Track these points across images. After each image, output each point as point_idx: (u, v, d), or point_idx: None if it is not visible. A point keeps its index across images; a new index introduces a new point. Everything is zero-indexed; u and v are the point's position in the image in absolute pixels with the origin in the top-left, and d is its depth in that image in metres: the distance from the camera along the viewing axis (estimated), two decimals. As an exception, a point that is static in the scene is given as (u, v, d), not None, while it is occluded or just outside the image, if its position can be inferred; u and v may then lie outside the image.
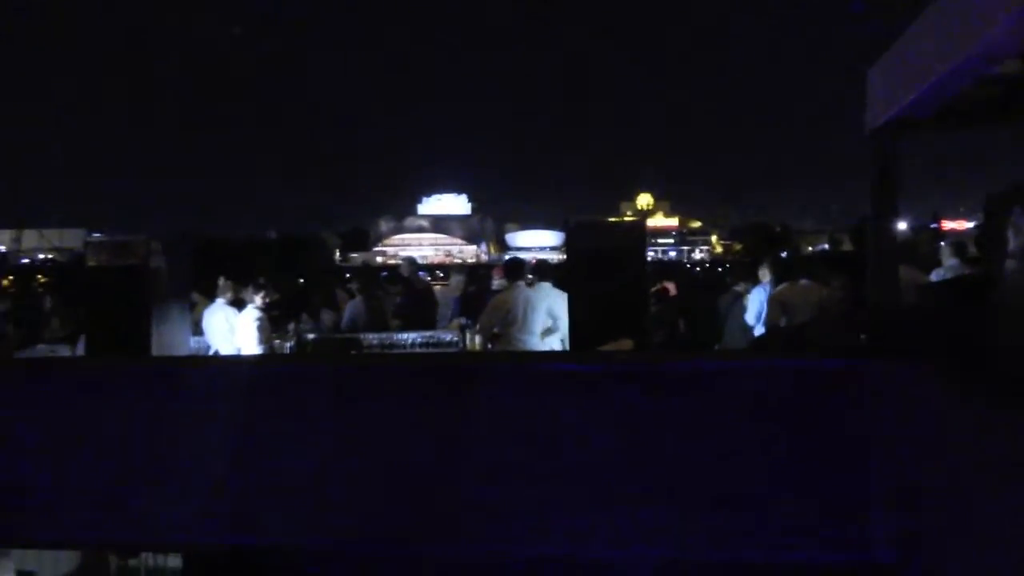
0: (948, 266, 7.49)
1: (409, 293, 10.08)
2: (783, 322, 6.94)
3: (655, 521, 2.85)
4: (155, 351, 4.04)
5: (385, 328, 9.53)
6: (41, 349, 8.48)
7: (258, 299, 8.52)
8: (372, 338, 9.20)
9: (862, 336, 3.44)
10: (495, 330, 7.47)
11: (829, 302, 6.96)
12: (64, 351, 8.10)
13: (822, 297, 7.11)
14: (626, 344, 3.72)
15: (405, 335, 9.12)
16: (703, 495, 2.82)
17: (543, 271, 8.12)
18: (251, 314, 8.41)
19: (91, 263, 4.24)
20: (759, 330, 8.02)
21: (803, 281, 7.53)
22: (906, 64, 2.84)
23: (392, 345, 9.03)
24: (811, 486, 2.75)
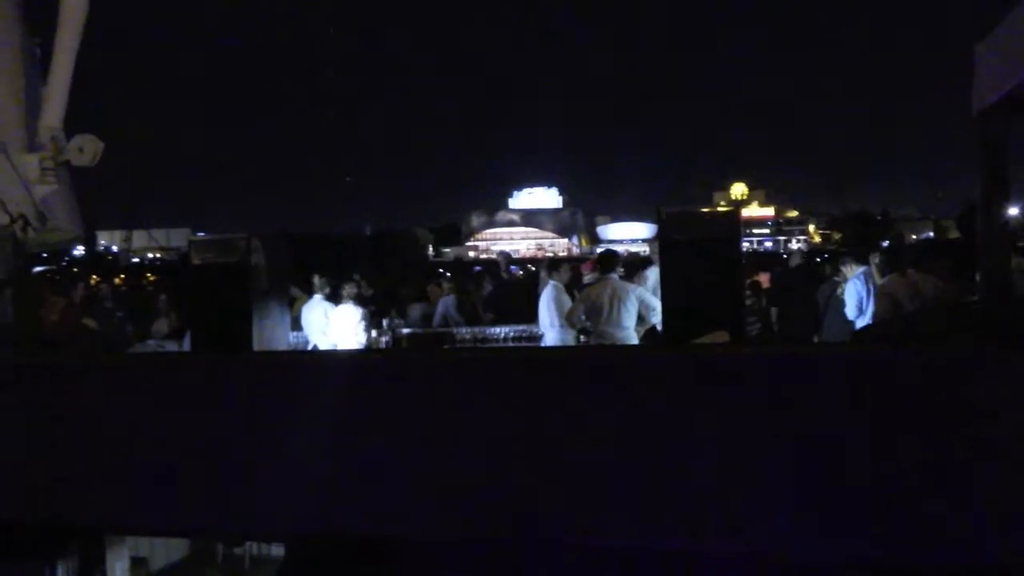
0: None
1: (499, 286, 10.14)
2: (890, 315, 6.70)
3: (751, 516, 2.79)
4: (256, 346, 4.15)
5: (477, 322, 9.61)
6: (151, 345, 8.85)
7: (349, 294, 8.70)
8: (464, 332, 9.29)
9: (973, 327, 3.29)
10: (586, 323, 7.45)
11: (939, 293, 6.71)
12: (172, 347, 8.44)
13: (933, 288, 6.85)
14: (721, 337, 3.64)
15: (497, 329, 9.18)
16: (802, 491, 2.75)
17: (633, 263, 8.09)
18: (352, 310, 8.59)
19: (194, 261, 4.39)
20: (861, 322, 7.77)
21: (912, 272, 7.24)
22: (1019, 39, 2.69)
23: (485, 339, 9.10)
24: (916, 484, 2.64)
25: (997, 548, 2.49)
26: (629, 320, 7.25)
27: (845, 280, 8.60)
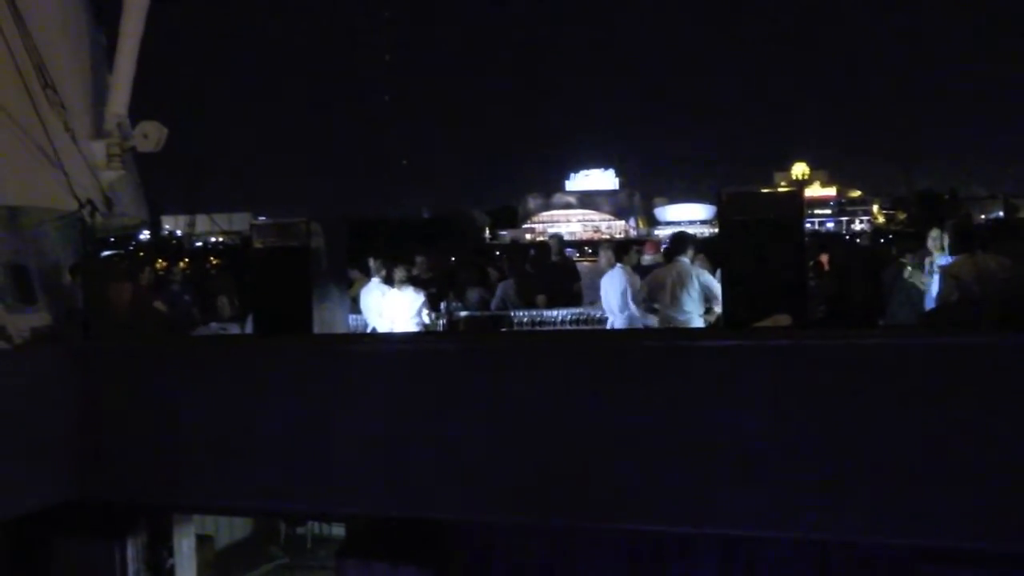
0: None
1: (544, 267, 10.02)
2: (955, 298, 6.47)
3: (815, 504, 2.74)
4: (316, 329, 4.19)
5: (533, 305, 9.56)
6: (213, 327, 8.99)
7: (401, 278, 8.70)
8: (522, 315, 9.26)
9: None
10: (653, 305, 7.37)
11: (1009, 275, 6.46)
12: (234, 329, 8.57)
13: (1004, 270, 6.58)
14: (783, 320, 3.56)
15: (555, 312, 9.12)
16: (869, 478, 2.69)
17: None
18: (406, 293, 8.61)
19: (256, 245, 4.44)
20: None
21: (981, 253, 6.95)
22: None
23: (542, 322, 9.06)
24: (993, 473, 2.56)
25: None
26: (691, 304, 7.15)
27: (915, 264, 8.32)
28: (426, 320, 8.75)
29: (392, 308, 8.65)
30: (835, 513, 2.76)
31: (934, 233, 8.08)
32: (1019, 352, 2.61)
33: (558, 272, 9.98)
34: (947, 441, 2.61)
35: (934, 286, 7.70)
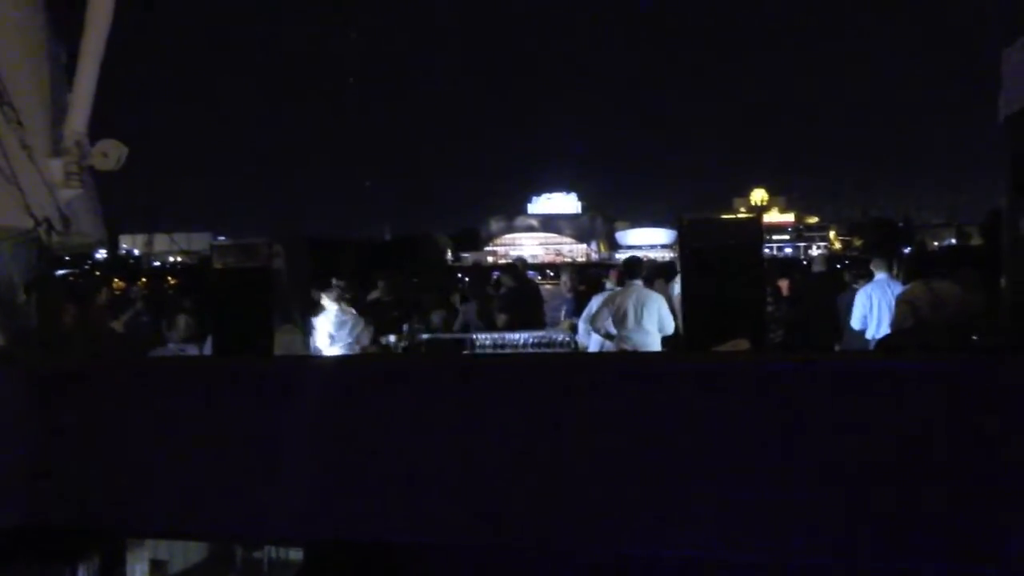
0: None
1: (513, 290, 10.10)
2: (910, 324, 6.59)
3: (775, 525, 2.77)
4: (277, 351, 4.17)
5: (495, 328, 9.60)
6: (171, 349, 8.89)
7: (328, 299, 8.70)
8: (485, 338, 9.28)
9: (998, 334, 3.26)
10: (610, 329, 7.43)
11: (961, 302, 6.59)
12: (192, 351, 8.48)
13: (957, 297, 6.72)
14: (742, 345, 3.62)
15: (517, 335, 9.16)
16: (826, 500, 2.73)
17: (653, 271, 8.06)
18: (335, 315, 8.60)
19: (217, 266, 4.41)
20: (872, 333, 7.67)
21: (935, 280, 7.11)
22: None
23: (504, 345, 9.08)
24: (944, 494, 2.61)
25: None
26: (652, 325, 7.24)
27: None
28: (362, 343, 8.75)
29: (327, 330, 8.65)
30: (797, 535, 2.79)
31: (875, 261, 8.30)
32: (966, 376, 2.67)
33: (521, 295, 10.04)
34: (906, 464, 2.66)
35: (854, 316, 7.86)
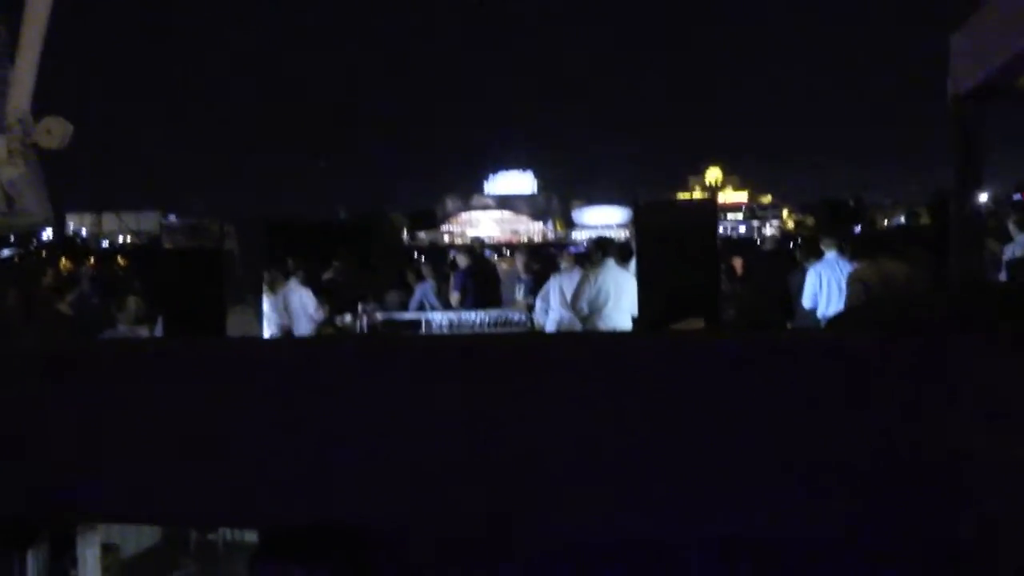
0: (1020, 242, 7.23)
1: (469, 269, 10.08)
2: (861, 301, 6.73)
3: (728, 503, 2.80)
4: (230, 331, 4.12)
5: (451, 308, 9.59)
6: (121, 330, 8.75)
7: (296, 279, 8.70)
8: (441, 318, 9.27)
9: (944, 313, 3.32)
10: (585, 311, 7.35)
11: (910, 279, 6.73)
12: (143, 333, 8.35)
13: (905, 275, 6.86)
14: (697, 324, 3.65)
15: (473, 314, 9.16)
16: (777, 476, 2.77)
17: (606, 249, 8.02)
18: (297, 292, 8.57)
19: (167, 245, 4.34)
20: (822, 311, 7.80)
21: (884, 258, 7.26)
22: (994, 26, 2.71)
23: (461, 325, 9.09)
24: (891, 468, 2.67)
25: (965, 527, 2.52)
26: (628, 306, 7.22)
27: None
28: (316, 317, 8.75)
29: (285, 309, 8.63)
30: (751, 512, 2.83)
31: (825, 240, 8.42)
32: (915, 354, 2.72)
33: (477, 274, 10.03)
34: (856, 440, 2.71)
35: (805, 295, 8.02)
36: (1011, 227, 7.52)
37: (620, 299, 7.19)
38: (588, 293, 7.30)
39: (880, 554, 2.75)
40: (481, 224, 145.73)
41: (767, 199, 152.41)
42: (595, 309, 7.22)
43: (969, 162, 3.23)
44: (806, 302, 7.99)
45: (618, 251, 7.99)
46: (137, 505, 3.56)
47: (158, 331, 7.38)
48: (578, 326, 7.14)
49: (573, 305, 7.53)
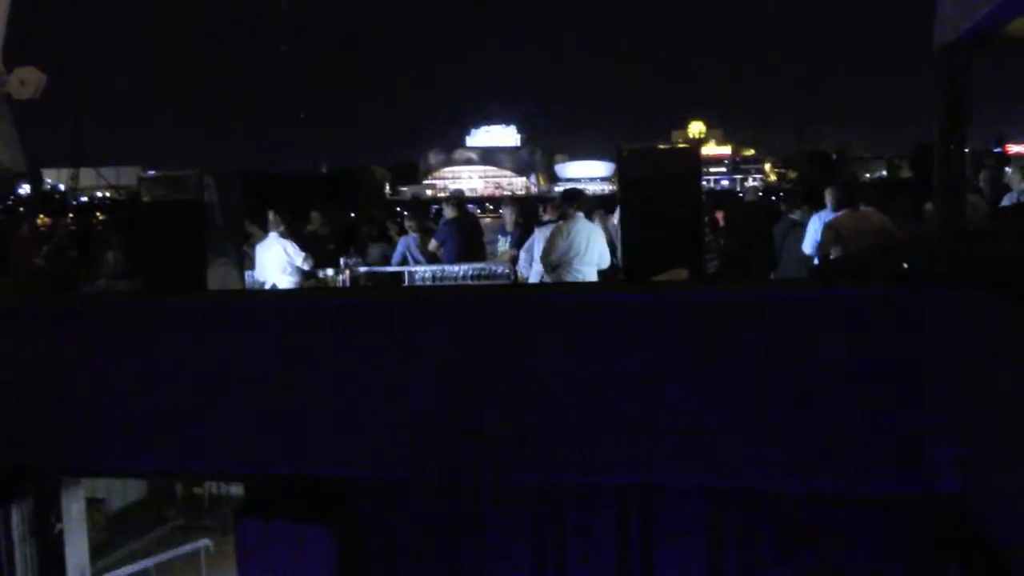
0: (1021, 189, 7.27)
1: (452, 221, 10.00)
2: (836, 251, 6.76)
3: (711, 450, 2.83)
4: (211, 286, 4.07)
5: (436, 261, 9.54)
6: (101, 285, 8.67)
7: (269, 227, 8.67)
8: (425, 271, 9.23)
9: (925, 263, 3.34)
10: (555, 261, 7.37)
11: (886, 229, 6.77)
12: (123, 286, 8.28)
13: (880, 225, 6.91)
14: (680, 274, 3.64)
15: (456, 267, 9.12)
16: (759, 426, 2.79)
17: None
18: (278, 244, 8.52)
19: (145, 198, 4.27)
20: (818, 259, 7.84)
21: (864, 208, 7.30)
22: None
23: (444, 278, 9.05)
24: (871, 419, 2.69)
25: (954, 479, 2.56)
26: (596, 258, 7.26)
27: (802, 218, 8.67)
28: (305, 267, 8.75)
29: (267, 262, 8.59)
30: (728, 461, 2.86)
31: (828, 191, 8.41)
32: (896, 303, 2.74)
33: (461, 226, 9.96)
34: (840, 388, 2.73)
35: (806, 241, 8.09)
36: (1014, 177, 7.61)
37: (590, 250, 7.22)
38: (560, 246, 7.31)
39: (865, 502, 2.79)
40: (464, 178, 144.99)
41: (750, 152, 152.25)
42: (564, 262, 7.23)
43: (954, 113, 3.21)
44: (807, 248, 8.05)
45: (588, 203, 7.99)
46: (122, 459, 3.55)
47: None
48: (585, 275, 7.15)
49: (544, 258, 7.53)
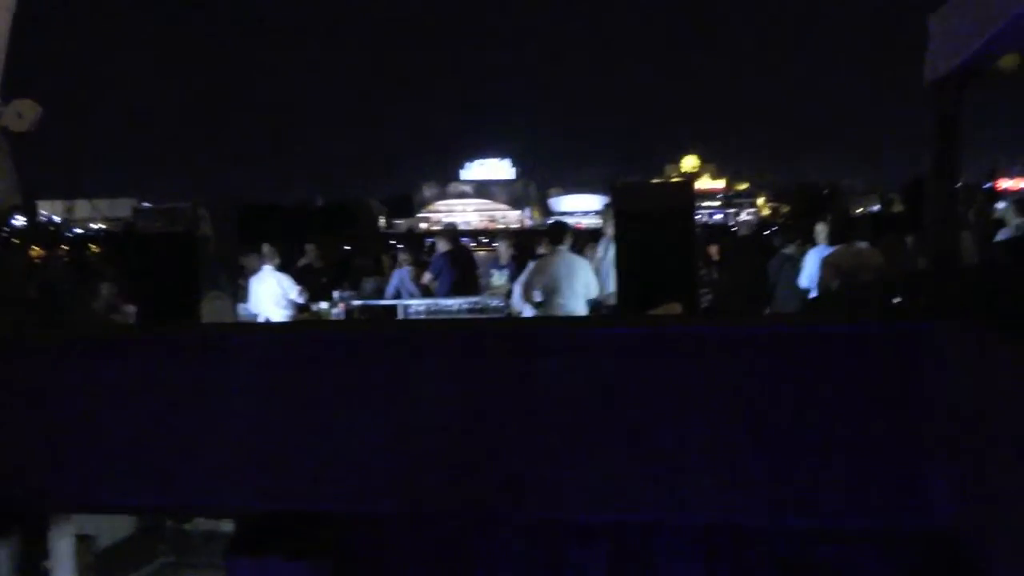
0: (1016, 224, 7.32)
1: (446, 254, 10.02)
2: (836, 285, 6.79)
3: (705, 487, 2.80)
4: (204, 318, 4.06)
5: (431, 294, 9.53)
6: (94, 317, 8.63)
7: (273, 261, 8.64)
8: (419, 304, 9.22)
9: (917, 298, 3.34)
10: (538, 297, 7.40)
11: (883, 265, 6.81)
12: (117, 319, 8.24)
13: (878, 260, 6.95)
14: (675, 308, 3.64)
15: (451, 301, 9.11)
16: (755, 461, 2.77)
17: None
18: (272, 277, 8.51)
19: (139, 230, 4.27)
20: (814, 293, 7.87)
21: (859, 244, 7.34)
22: (972, 8, 2.70)
23: (438, 311, 9.04)
24: (865, 454, 2.68)
25: (947, 513, 2.54)
26: (581, 290, 7.28)
27: (797, 253, 8.70)
28: (299, 301, 8.71)
29: (261, 295, 8.56)
30: (722, 497, 2.84)
31: (819, 227, 8.48)
32: (891, 339, 2.73)
33: (455, 259, 9.97)
34: (834, 423, 2.72)
35: (802, 275, 8.14)
36: (1008, 211, 7.70)
37: (573, 283, 7.24)
38: (538, 282, 7.36)
39: (859, 537, 2.76)
40: (458, 211, 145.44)
41: (743, 186, 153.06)
42: (546, 296, 7.26)
43: (946, 147, 3.22)
44: (803, 282, 8.11)
45: (576, 237, 8.04)
46: (110, 494, 3.50)
47: (131, 318, 7.28)
48: (565, 309, 7.16)
49: (524, 293, 7.58)
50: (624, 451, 2.83)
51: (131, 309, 8.61)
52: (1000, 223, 8.04)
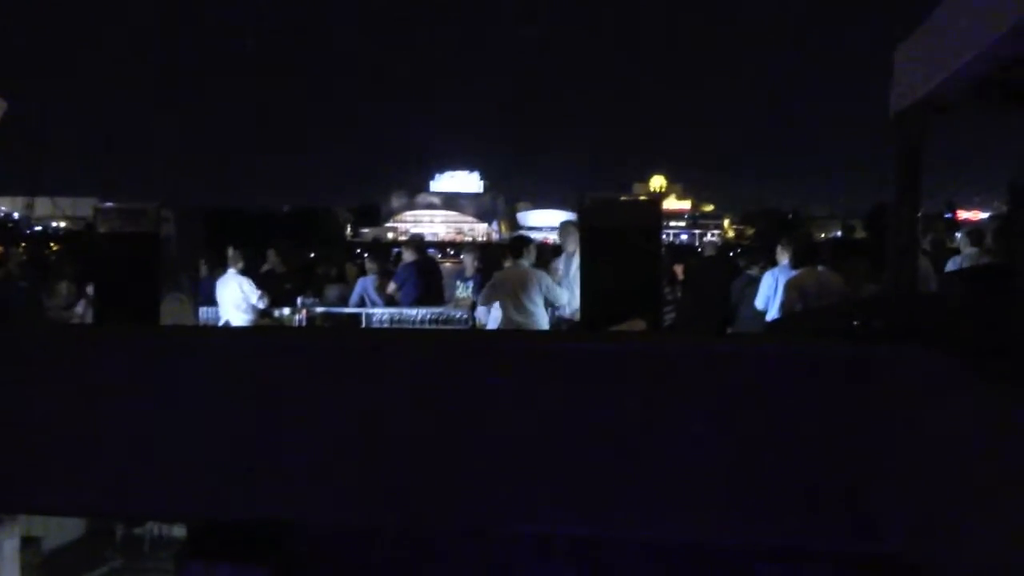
0: (967, 254, 7.46)
1: (412, 264, 10.00)
2: (799, 308, 6.88)
3: (659, 505, 2.81)
4: (164, 320, 4.01)
5: (395, 304, 9.50)
6: (52, 315, 8.49)
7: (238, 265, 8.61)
8: (382, 313, 9.18)
9: (876, 324, 3.39)
10: (495, 310, 7.43)
11: (845, 289, 6.91)
12: (74, 319, 8.11)
13: (840, 285, 7.06)
14: (639, 325, 3.66)
15: (415, 311, 9.09)
16: (712, 480, 2.78)
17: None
18: (234, 280, 8.46)
19: (101, 230, 4.21)
20: (771, 315, 7.95)
21: (821, 268, 7.45)
22: (937, 42, 2.76)
23: (401, 320, 9.01)
24: (820, 475, 2.70)
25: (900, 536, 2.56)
26: (533, 306, 7.30)
27: (760, 274, 8.80)
28: (260, 306, 8.66)
29: (223, 298, 8.51)
30: (679, 515, 2.84)
31: (780, 248, 8.59)
32: (848, 362, 2.76)
33: (420, 269, 9.96)
34: (790, 444, 2.73)
35: (759, 296, 8.23)
36: (962, 241, 7.88)
37: (532, 296, 7.26)
38: (488, 293, 7.44)
39: (822, 559, 2.78)
40: (426, 222, 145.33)
41: (709, 208, 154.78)
42: (504, 309, 7.30)
43: (908, 177, 3.28)
44: (759, 303, 8.18)
45: (535, 251, 8.10)
46: (59, 496, 3.43)
47: (88, 317, 7.18)
48: (522, 324, 7.17)
49: (481, 303, 7.65)
50: (581, 465, 2.83)
51: (80, 310, 8.50)
52: (956, 251, 8.23)
